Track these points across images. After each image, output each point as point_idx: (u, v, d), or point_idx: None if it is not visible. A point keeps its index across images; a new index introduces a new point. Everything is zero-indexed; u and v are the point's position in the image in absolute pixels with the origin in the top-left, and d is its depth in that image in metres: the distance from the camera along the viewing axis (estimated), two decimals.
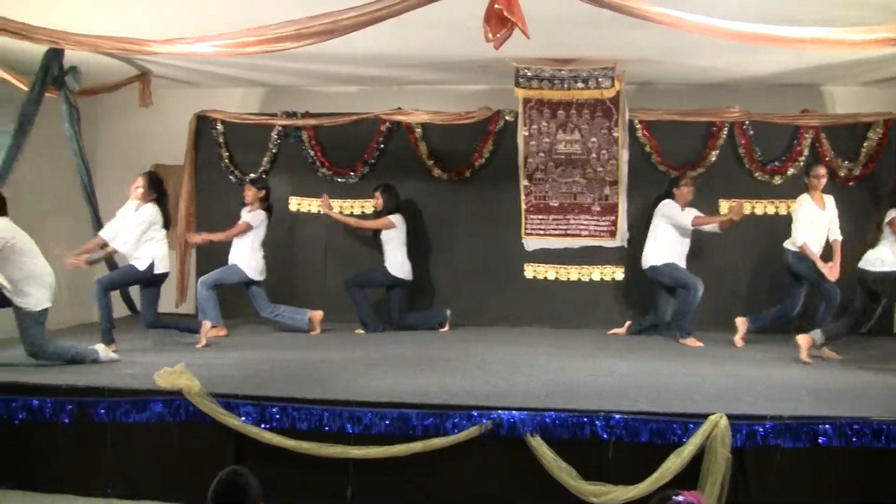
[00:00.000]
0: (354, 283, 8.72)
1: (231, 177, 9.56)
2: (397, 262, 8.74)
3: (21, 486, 5.59)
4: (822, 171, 7.80)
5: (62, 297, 6.82)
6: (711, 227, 8.11)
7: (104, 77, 8.58)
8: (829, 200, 7.82)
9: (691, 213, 8.09)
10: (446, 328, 8.86)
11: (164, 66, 8.52)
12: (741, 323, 7.80)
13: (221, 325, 8.31)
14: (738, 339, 7.75)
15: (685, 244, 8.18)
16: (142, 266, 7.28)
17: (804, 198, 7.70)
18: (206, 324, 7.77)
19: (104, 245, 7.32)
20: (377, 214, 8.83)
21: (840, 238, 7.70)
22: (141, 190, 7.32)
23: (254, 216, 8.46)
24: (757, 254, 9.06)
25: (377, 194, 8.76)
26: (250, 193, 8.51)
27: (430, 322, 8.94)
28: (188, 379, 5.54)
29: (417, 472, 5.26)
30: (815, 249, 7.50)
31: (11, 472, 5.62)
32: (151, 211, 7.27)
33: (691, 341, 7.87)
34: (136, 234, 7.19)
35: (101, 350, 6.66)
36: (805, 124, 8.92)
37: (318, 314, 8.56)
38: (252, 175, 9.16)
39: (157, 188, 7.35)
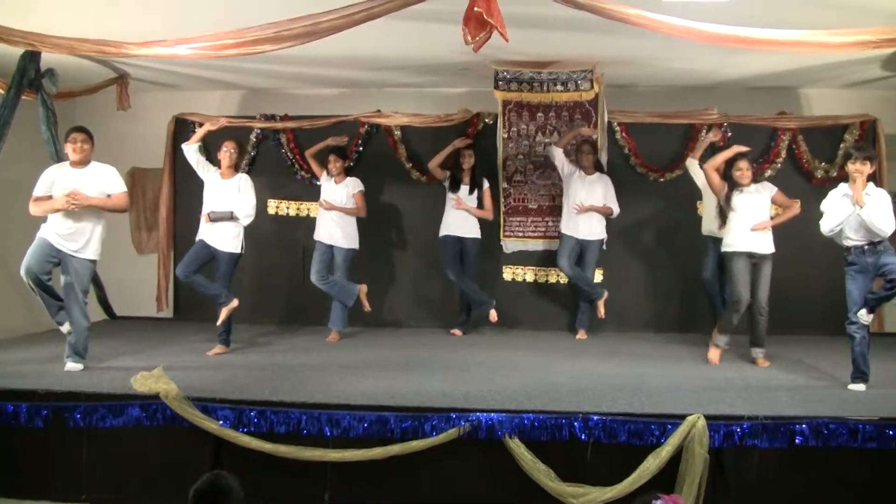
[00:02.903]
0: (467, 274, 8.69)
1: None
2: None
3: None
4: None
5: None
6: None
7: (82, 80, 8.53)
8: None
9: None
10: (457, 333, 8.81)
11: (142, 69, 8.48)
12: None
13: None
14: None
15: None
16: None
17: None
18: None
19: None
20: (473, 179, 8.72)
21: None
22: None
23: (357, 183, 8.53)
24: None
25: (469, 152, 8.69)
26: (339, 164, 8.44)
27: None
28: (165, 383, 5.55)
29: (396, 475, 5.27)
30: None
31: None
32: None
33: None
34: None
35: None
36: (782, 126, 8.98)
37: (363, 287, 8.51)
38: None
39: None
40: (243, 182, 7.53)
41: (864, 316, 6.05)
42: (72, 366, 6.49)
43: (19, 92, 7.29)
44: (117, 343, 7.79)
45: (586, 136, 8.54)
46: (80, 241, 6.51)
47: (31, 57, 7.28)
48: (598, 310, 8.52)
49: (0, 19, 6.01)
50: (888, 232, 5.99)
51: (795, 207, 7.11)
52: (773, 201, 7.16)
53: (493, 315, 8.58)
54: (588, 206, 8.31)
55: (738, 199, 7.05)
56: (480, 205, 8.64)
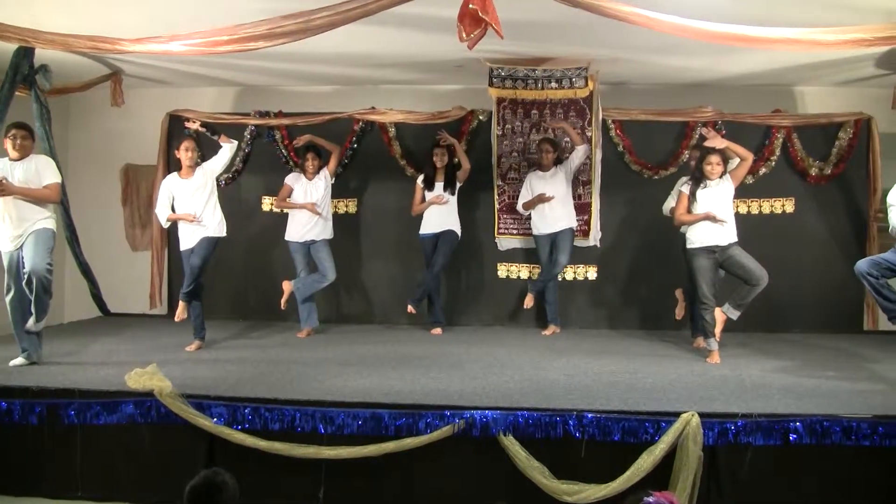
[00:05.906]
0: (443, 270, 8.76)
1: None
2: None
3: None
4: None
5: None
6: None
7: (75, 76, 8.51)
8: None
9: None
10: (438, 331, 8.73)
11: (137, 66, 8.47)
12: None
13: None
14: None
15: None
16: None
17: None
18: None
19: None
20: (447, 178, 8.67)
21: None
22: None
23: (324, 170, 8.54)
24: None
25: (441, 150, 8.64)
26: (317, 163, 8.46)
27: (436, 312, 8.88)
28: (160, 380, 5.54)
29: (390, 473, 5.27)
30: None
31: None
32: None
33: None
34: None
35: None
36: (777, 124, 8.98)
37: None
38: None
39: None
40: (209, 178, 7.57)
41: None
42: (14, 361, 6.53)
43: (13, 88, 7.28)
44: (111, 340, 7.79)
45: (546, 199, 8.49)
46: (29, 224, 6.44)
47: (25, 53, 7.27)
48: (527, 300, 8.61)
49: None
50: None
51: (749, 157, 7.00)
52: (732, 174, 7.02)
53: (410, 308, 8.65)
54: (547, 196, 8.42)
55: (700, 193, 7.00)
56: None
